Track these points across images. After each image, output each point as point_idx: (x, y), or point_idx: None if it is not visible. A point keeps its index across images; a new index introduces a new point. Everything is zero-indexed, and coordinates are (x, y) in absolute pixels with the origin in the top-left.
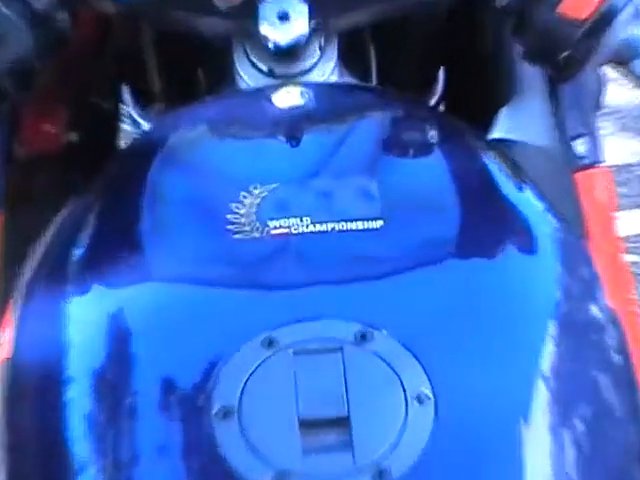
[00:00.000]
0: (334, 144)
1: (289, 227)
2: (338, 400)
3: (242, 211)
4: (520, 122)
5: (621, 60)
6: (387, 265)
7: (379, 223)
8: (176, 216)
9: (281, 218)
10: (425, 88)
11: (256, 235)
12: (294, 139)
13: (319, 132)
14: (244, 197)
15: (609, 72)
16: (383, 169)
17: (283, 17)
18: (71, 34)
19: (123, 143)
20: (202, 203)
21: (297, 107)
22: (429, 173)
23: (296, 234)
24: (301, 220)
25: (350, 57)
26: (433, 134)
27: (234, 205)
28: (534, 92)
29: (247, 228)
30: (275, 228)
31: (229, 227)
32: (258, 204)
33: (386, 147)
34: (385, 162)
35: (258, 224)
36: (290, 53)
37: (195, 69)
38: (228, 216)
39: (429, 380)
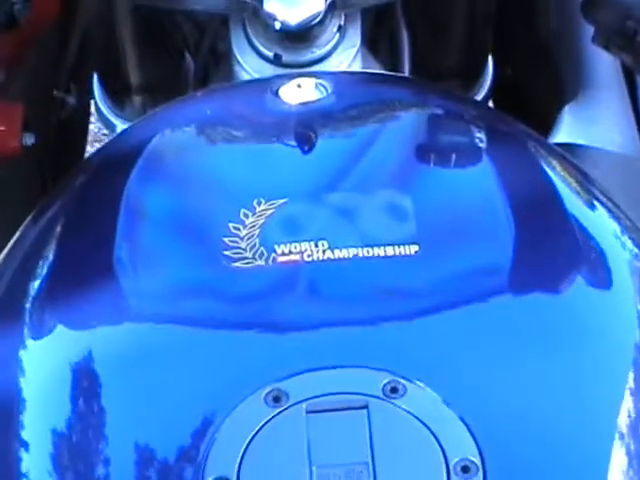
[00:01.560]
0: (357, 150)
1: (301, 253)
2: (362, 471)
3: (242, 233)
4: (590, 123)
5: None
6: (424, 300)
7: (414, 249)
8: (159, 239)
9: (291, 242)
10: (470, 80)
11: (260, 263)
12: (307, 143)
13: (338, 135)
14: (245, 215)
15: None
16: (419, 182)
17: None
18: (25, 12)
19: (93, 147)
20: (192, 223)
21: (310, 103)
22: (476, 186)
23: (309, 262)
24: (316, 245)
25: (377, 40)
26: (481, 137)
27: (232, 225)
28: (607, 85)
29: (248, 254)
30: (283, 254)
31: (226, 253)
32: (262, 224)
33: (422, 154)
34: (421, 173)
35: (262, 249)
36: (301, 36)
37: (182, 55)
38: (225, 239)
39: (477, 445)
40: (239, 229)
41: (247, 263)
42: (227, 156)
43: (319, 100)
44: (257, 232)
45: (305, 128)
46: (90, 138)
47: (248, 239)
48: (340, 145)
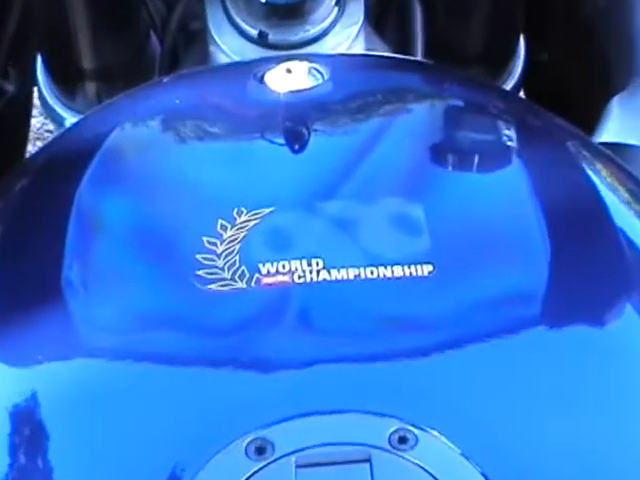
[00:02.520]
0: (358, 149)
1: (290, 273)
2: None
3: (220, 249)
4: None
5: None
6: (439, 333)
7: (427, 269)
8: (118, 257)
9: (279, 260)
10: (497, 66)
11: (240, 285)
12: (298, 141)
13: (336, 130)
14: (223, 228)
15: None
16: (434, 188)
17: None
18: None
19: (35, 146)
20: (158, 237)
21: (302, 92)
22: (503, 194)
23: (301, 284)
24: (309, 264)
25: (384, 17)
26: (510, 134)
27: (207, 240)
28: None
29: (227, 275)
30: (269, 275)
31: (199, 273)
32: (244, 238)
33: (438, 154)
34: (437, 177)
35: (244, 269)
36: (292, 10)
37: (147, 34)
38: (198, 257)
39: None
40: (215, 245)
41: (225, 286)
42: (201, 156)
43: (313, 88)
44: (237, 248)
45: (296, 122)
46: (32, 135)
47: (226, 257)
48: (338, 143)
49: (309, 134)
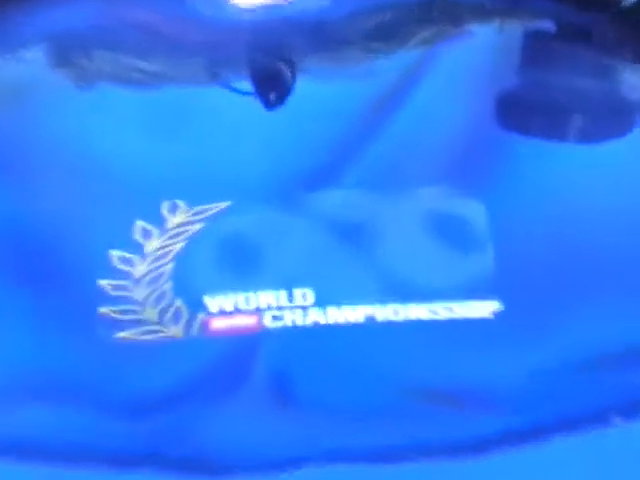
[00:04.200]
0: (371, 105)
1: (259, 313)
2: None
3: (138, 270)
4: None
5: None
6: (505, 418)
7: (490, 307)
8: None
9: (239, 290)
10: None
11: (173, 333)
12: (273, 88)
13: (334, 72)
14: (144, 234)
15: None
16: (495, 175)
17: None
18: None
19: None
20: (34, 250)
21: (280, 11)
22: (617, 189)
23: (278, 331)
24: (290, 297)
25: None
26: (634, 82)
27: (117, 255)
28: None
29: (149, 314)
30: (222, 315)
31: (103, 311)
32: (179, 253)
33: (505, 117)
34: (500, 155)
35: (179, 305)
36: None
37: None
38: (103, 283)
39: None
40: (131, 263)
41: (146, 334)
42: (110, 112)
43: (296, 3)
44: (168, 269)
45: (269, 57)
46: None
47: (150, 283)
48: (339, 94)
49: (291, 78)
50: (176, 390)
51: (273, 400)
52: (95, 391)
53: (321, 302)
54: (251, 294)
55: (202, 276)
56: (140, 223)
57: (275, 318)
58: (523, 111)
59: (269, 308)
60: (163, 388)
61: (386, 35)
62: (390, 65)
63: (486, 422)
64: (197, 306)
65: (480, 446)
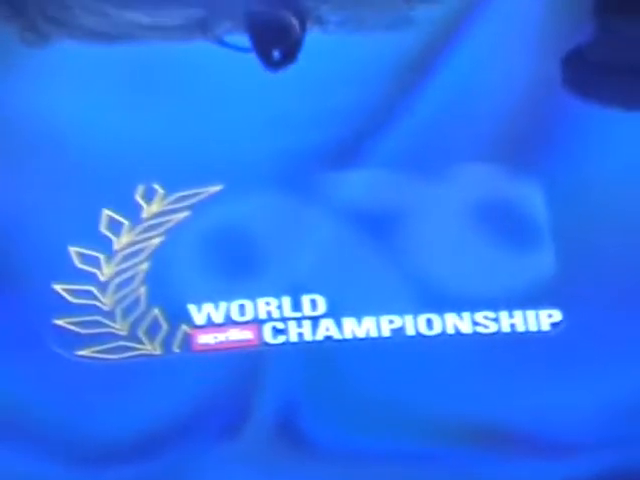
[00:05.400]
0: (402, 69)
1: (257, 325)
2: None
3: (105, 272)
4: None
5: None
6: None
7: (550, 318)
8: None
9: (232, 297)
10: None
11: (147, 350)
12: (276, 46)
13: (358, 27)
14: (112, 226)
15: None
16: (561, 161)
17: None
18: None
19: None
20: None
21: None
22: None
23: (280, 348)
24: (296, 304)
25: None
26: None
27: (77, 251)
28: None
29: (118, 327)
30: (211, 327)
31: (60, 323)
32: (156, 250)
33: (573, 87)
34: (567, 137)
35: (156, 314)
36: None
37: None
38: (58, 288)
39: None
40: (96, 262)
41: (113, 352)
42: (71, 74)
43: None
44: (142, 270)
45: (272, 6)
46: None
47: (119, 288)
48: (360, 54)
49: (300, 29)
50: (154, 432)
51: (280, 442)
52: (49, 432)
53: (334, 312)
54: (247, 302)
55: (185, 279)
56: (108, 212)
57: (277, 331)
58: (592, 71)
59: (270, 319)
60: (136, 430)
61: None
62: (429, 14)
63: (544, 470)
64: (179, 317)
65: None
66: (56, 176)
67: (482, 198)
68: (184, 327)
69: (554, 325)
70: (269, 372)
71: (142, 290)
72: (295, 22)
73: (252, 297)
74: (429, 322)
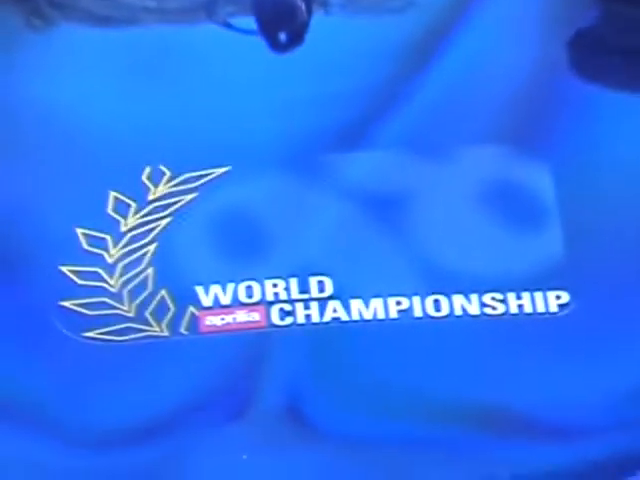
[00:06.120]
0: (409, 50)
1: (265, 306)
2: None
3: (112, 254)
4: None
5: None
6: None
7: (558, 300)
8: None
9: (240, 278)
10: None
11: (154, 331)
12: (282, 28)
13: (364, 9)
14: (119, 207)
15: None
16: (570, 142)
17: None
18: None
19: None
20: None
21: None
22: None
23: (287, 330)
24: (304, 286)
25: None
26: None
27: (85, 232)
28: None
29: (125, 308)
30: (219, 309)
31: (66, 305)
32: (163, 232)
33: (581, 69)
34: (576, 119)
35: (163, 295)
36: None
37: None
38: (65, 270)
39: None
40: (104, 243)
41: (121, 334)
42: (78, 57)
43: None
44: (150, 252)
45: None
46: None
47: (126, 269)
48: (367, 36)
49: (306, 11)
50: (160, 413)
51: (286, 424)
52: (55, 413)
53: (342, 293)
54: (254, 283)
55: (192, 261)
56: (115, 194)
57: (284, 313)
58: (601, 53)
59: (277, 300)
60: (142, 411)
61: None
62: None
63: (552, 452)
64: (186, 298)
65: None
66: (63, 158)
67: (488, 180)
68: (191, 309)
69: (562, 306)
70: (276, 353)
71: (149, 272)
72: (301, 4)
73: (259, 279)
74: (436, 303)
